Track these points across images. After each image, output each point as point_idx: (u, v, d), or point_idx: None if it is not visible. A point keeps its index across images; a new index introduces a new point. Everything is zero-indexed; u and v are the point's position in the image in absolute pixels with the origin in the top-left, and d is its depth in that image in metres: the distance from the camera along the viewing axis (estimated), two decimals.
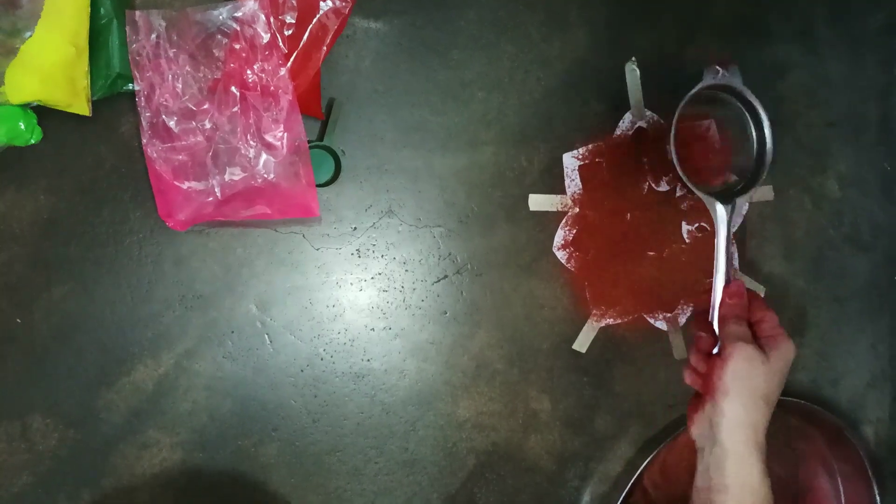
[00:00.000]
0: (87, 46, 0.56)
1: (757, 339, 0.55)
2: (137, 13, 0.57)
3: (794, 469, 0.74)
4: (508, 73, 0.67)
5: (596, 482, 0.69)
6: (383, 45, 0.65)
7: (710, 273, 0.68)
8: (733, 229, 0.64)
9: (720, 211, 0.61)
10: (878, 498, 0.71)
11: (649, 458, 0.66)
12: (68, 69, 0.54)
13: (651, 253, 0.69)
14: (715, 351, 0.56)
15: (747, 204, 0.72)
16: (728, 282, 0.59)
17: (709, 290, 0.60)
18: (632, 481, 0.65)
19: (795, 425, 0.73)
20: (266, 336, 0.64)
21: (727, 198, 0.62)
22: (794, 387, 0.73)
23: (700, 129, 0.69)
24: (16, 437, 0.60)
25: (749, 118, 0.66)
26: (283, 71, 0.58)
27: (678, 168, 0.62)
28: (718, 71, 0.64)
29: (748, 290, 0.59)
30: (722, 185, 0.67)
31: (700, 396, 0.55)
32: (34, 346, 0.60)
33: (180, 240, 0.62)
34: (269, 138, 0.59)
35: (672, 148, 0.62)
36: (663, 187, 0.69)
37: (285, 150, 0.59)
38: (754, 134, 0.66)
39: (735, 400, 0.52)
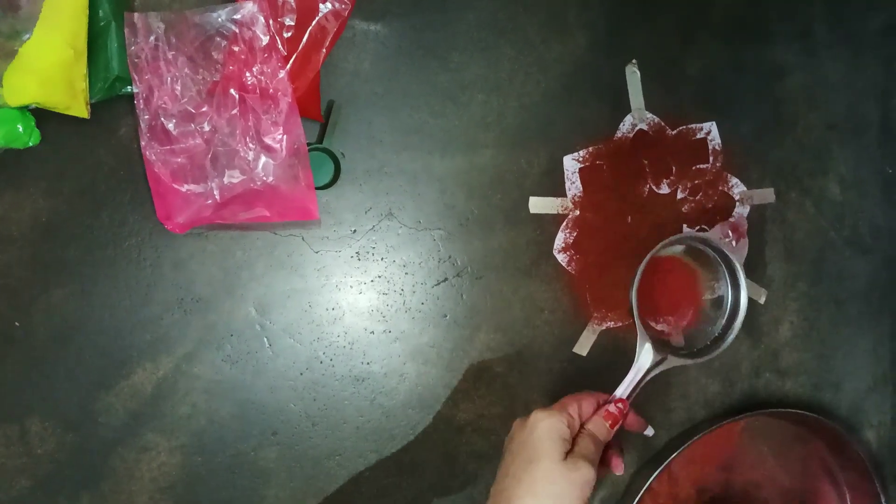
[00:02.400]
0: (86, 49, 0.56)
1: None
2: (136, 15, 0.56)
3: (797, 476, 0.74)
4: (508, 75, 0.67)
5: (597, 486, 0.69)
6: (383, 48, 0.65)
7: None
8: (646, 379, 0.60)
9: (646, 354, 0.59)
10: (883, 502, 0.71)
11: (656, 472, 0.65)
12: (67, 71, 0.54)
13: None
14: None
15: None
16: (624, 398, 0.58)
17: None
18: (640, 493, 0.65)
19: (797, 432, 0.73)
20: (265, 339, 0.63)
21: (662, 349, 0.59)
22: (796, 389, 0.73)
23: (680, 274, 0.67)
24: (14, 440, 0.60)
25: (729, 293, 0.65)
26: (282, 73, 0.58)
27: (634, 300, 0.60)
28: (725, 230, 0.64)
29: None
30: (673, 333, 0.66)
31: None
32: (33, 348, 0.60)
33: (179, 243, 0.62)
34: (268, 141, 0.59)
35: (636, 283, 0.60)
36: (664, 190, 0.69)
37: (284, 152, 0.59)
38: (723, 313, 0.65)
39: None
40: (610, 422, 0.55)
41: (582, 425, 0.54)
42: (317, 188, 0.62)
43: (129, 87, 0.58)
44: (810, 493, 0.74)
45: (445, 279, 0.66)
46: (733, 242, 0.64)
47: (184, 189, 0.59)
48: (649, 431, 0.68)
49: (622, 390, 0.58)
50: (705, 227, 0.69)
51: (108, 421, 0.61)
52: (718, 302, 0.66)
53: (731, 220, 0.65)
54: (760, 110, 0.72)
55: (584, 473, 0.49)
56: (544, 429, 0.51)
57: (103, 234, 0.61)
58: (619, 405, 0.56)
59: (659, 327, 0.67)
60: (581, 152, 0.68)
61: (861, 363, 0.75)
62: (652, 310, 0.67)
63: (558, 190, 0.68)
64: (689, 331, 0.68)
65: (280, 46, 0.58)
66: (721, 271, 0.65)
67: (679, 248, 0.67)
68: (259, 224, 0.62)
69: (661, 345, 0.60)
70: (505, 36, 0.67)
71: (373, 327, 0.65)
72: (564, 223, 0.68)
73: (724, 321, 0.65)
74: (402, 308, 0.65)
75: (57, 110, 0.55)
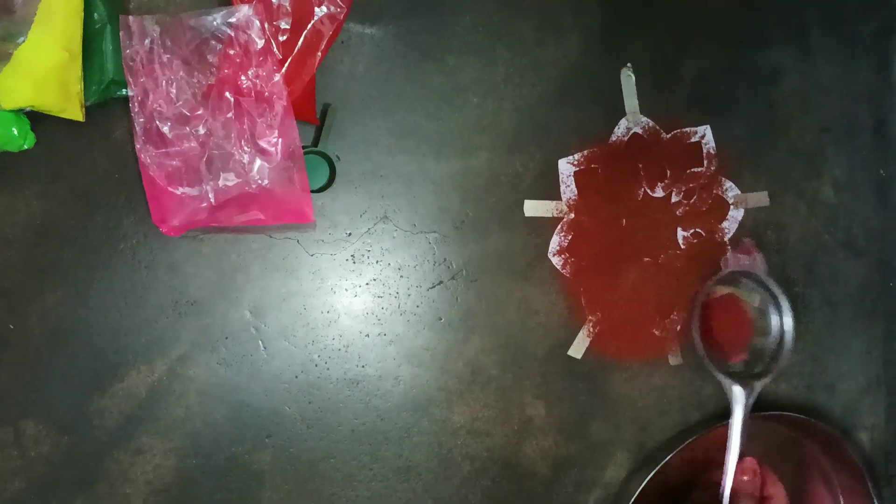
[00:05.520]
0: (81, 51, 0.56)
1: None
2: (131, 18, 0.56)
3: (791, 478, 0.74)
4: (503, 78, 0.67)
5: (591, 488, 0.69)
6: (378, 51, 0.65)
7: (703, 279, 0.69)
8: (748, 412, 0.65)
9: (738, 394, 0.64)
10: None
11: (650, 474, 0.65)
12: (62, 74, 0.54)
13: (646, 259, 0.69)
14: None
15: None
16: (742, 458, 0.61)
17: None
18: (635, 495, 0.65)
19: (790, 435, 0.73)
20: (260, 342, 0.63)
21: (745, 381, 0.65)
22: (789, 392, 0.73)
23: (725, 304, 0.71)
24: (8, 442, 0.60)
25: (770, 302, 0.69)
26: (277, 76, 0.58)
27: (700, 346, 0.65)
28: (739, 259, 0.67)
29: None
30: (739, 363, 0.69)
31: None
32: (27, 351, 0.60)
33: (174, 245, 0.62)
34: (263, 144, 0.59)
35: (696, 327, 0.65)
36: (658, 193, 0.69)
37: (280, 155, 0.59)
38: (773, 318, 0.69)
39: None
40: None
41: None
42: (312, 191, 0.62)
43: (123, 89, 0.58)
44: (804, 495, 0.75)
45: (440, 282, 0.66)
46: (746, 259, 0.67)
47: (179, 192, 0.59)
48: None
49: (736, 442, 0.61)
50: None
51: (102, 423, 0.61)
52: (762, 311, 0.70)
53: (739, 245, 0.68)
54: (755, 113, 0.73)
55: None
56: None
57: (98, 237, 0.61)
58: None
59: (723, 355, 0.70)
60: (576, 155, 0.68)
61: (854, 365, 0.75)
62: (716, 348, 0.70)
63: (553, 193, 0.68)
64: (748, 343, 0.71)
65: (275, 50, 0.58)
66: (764, 295, 0.70)
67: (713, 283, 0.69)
68: (254, 227, 0.62)
69: (738, 376, 0.65)
70: (500, 39, 0.67)
71: (368, 330, 0.65)
72: (559, 226, 0.68)
73: (777, 321, 0.69)
74: (397, 311, 0.66)
75: (52, 113, 0.55)
